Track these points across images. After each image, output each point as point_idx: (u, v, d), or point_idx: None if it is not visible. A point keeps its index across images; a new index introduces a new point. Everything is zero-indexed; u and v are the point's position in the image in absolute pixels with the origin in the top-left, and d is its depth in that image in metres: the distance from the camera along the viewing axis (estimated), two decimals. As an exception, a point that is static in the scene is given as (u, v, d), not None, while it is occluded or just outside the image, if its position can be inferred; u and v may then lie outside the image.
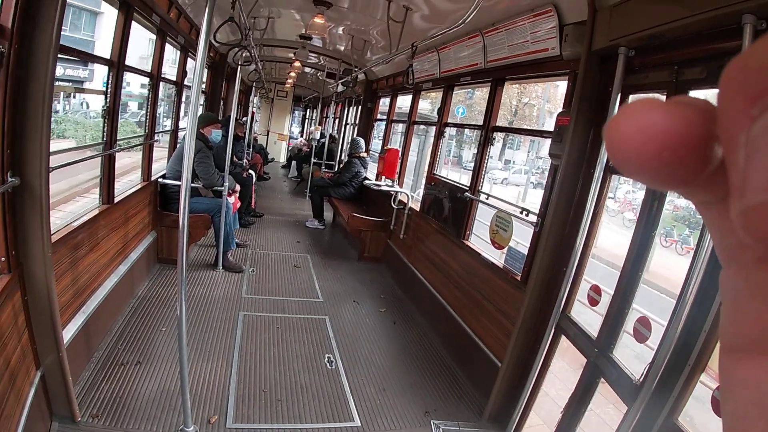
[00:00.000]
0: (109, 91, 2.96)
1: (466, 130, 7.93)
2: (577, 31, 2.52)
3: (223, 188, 4.42)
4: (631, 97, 2.29)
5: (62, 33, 1.92)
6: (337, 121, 10.84)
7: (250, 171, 6.64)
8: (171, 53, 4.47)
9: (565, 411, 2.40)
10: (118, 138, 3.12)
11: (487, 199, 3.83)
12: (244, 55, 4.25)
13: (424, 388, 3.12)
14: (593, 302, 2.46)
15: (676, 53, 1.95)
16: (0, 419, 1.71)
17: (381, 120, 7.26)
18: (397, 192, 5.37)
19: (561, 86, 3.15)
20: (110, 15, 3.02)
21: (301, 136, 15.90)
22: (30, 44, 1.80)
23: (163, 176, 4.36)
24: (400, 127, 6.55)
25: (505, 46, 3.24)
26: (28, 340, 2.02)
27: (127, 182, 4.06)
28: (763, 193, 0.14)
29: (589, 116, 2.40)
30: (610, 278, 2.49)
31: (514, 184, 19.30)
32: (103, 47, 3.16)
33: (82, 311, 2.66)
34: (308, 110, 17.57)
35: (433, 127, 4.93)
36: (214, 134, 4.55)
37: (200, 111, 5.70)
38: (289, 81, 11.17)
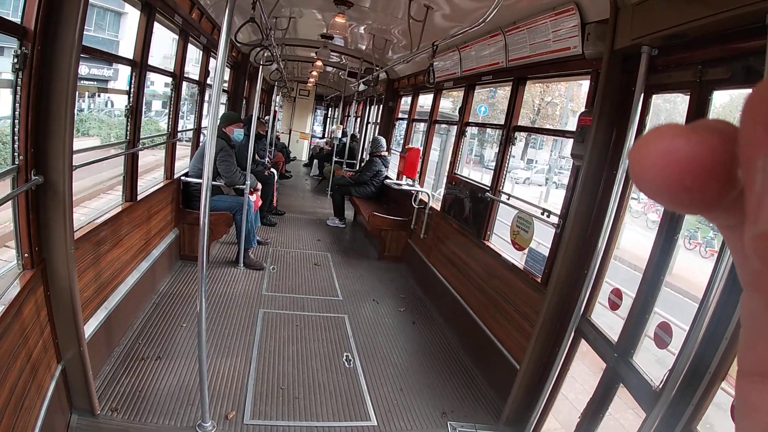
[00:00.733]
0: (132, 90, 3.01)
1: (488, 129, 7.83)
2: (599, 30, 2.45)
3: (245, 186, 4.47)
4: (654, 96, 2.23)
5: (86, 33, 1.95)
6: (358, 119, 10.86)
7: (272, 169, 6.69)
8: (194, 53, 4.54)
9: (583, 416, 2.35)
10: (141, 136, 3.19)
11: (508, 199, 3.76)
12: (265, 54, 4.28)
13: (442, 388, 3.09)
14: (614, 306, 2.39)
15: (699, 52, 1.89)
16: (21, 411, 1.76)
17: (402, 119, 7.24)
18: (417, 191, 5.33)
19: (584, 85, 3.07)
20: (134, 15, 3.06)
21: (324, 137, 15.98)
22: (53, 45, 1.83)
23: (186, 174, 4.43)
24: (421, 126, 6.51)
25: (527, 44, 3.19)
26: (50, 334, 2.07)
27: (151, 179, 4.14)
28: None
29: (612, 116, 2.35)
30: (632, 281, 2.42)
31: (537, 184, 18.98)
32: (128, 47, 3.21)
33: (104, 306, 2.71)
34: (330, 109, 17.66)
35: (455, 126, 4.87)
36: (237, 133, 4.62)
37: (222, 110, 5.78)
38: (311, 80, 11.25)
